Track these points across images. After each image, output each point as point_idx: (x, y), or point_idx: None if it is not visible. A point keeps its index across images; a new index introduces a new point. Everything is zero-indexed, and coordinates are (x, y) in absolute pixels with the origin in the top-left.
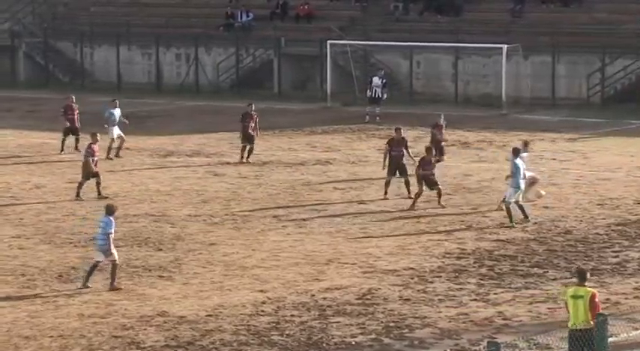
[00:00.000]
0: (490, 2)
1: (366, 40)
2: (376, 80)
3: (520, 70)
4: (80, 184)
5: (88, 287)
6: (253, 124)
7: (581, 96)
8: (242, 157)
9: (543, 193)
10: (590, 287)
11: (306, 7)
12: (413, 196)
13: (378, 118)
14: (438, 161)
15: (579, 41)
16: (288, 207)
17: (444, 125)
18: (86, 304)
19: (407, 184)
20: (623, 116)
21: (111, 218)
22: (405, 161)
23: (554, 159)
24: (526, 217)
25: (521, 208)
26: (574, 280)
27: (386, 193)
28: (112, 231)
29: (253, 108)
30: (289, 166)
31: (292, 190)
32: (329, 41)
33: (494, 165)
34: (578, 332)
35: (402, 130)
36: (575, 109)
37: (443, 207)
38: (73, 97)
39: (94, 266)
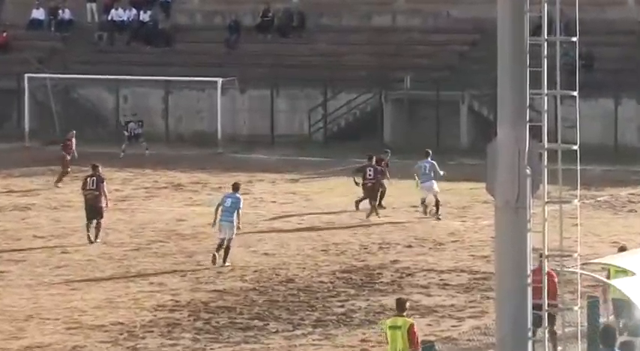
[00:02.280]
0: (203, 32)
1: (68, 73)
2: (132, 126)
3: (237, 105)
4: None
5: None
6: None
7: (303, 133)
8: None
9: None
10: (408, 318)
11: (3, 35)
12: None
13: (147, 151)
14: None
15: (300, 74)
16: None
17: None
18: None
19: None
20: (348, 154)
21: None
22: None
23: (274, 202)
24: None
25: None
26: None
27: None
28: None
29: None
30: None
31: None
32: (27, 75)
33: (210, 209)
34: None
35: (99, 168)
36: (296, 147)
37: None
38: None
39: None
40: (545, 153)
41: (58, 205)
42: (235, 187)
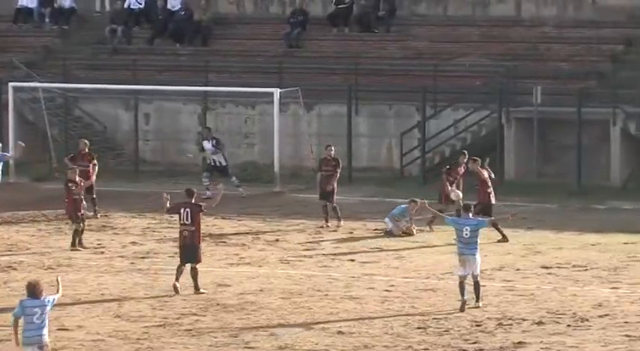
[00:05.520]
0: (254, 25)
1: (68, 81)
2: (207, 145)
3: (300, 127)
4: None
5: None
6: None
7: (392, 165)
8: None
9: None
10: None
11: None
12: None
13: (241, 190)
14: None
15: (388, 83)
16: None
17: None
18: None
19: None
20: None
21: None
22: None
23: (351, 260)
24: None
25: None
26: None
27: None
28: None
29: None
30: None
31: None
32: (11, 84)
33: (262, 269)
34: None
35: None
36: (382, 184)
37: None
38: None
39: None
40: None
41: (54, 264)
42: (467, 208)
